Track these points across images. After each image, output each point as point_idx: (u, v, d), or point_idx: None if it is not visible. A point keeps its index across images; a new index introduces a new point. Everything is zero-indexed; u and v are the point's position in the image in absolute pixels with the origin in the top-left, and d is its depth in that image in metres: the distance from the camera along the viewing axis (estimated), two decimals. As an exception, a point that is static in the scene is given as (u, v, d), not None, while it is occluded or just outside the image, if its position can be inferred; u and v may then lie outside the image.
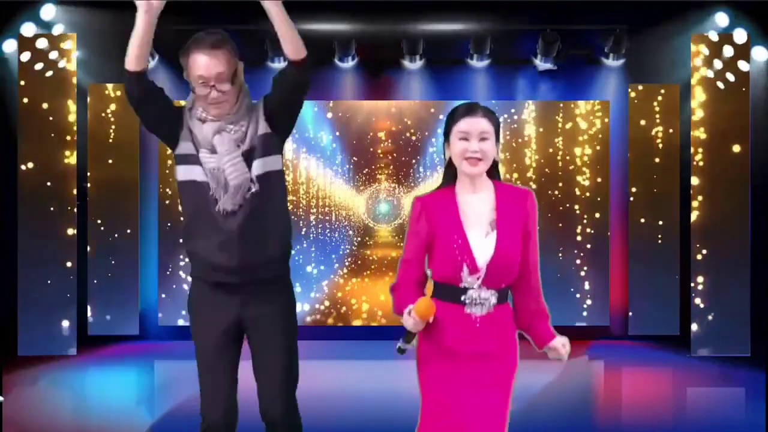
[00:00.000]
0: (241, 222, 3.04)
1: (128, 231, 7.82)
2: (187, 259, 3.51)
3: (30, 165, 7.41)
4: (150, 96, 3.06)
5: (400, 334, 2.96)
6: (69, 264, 7.44)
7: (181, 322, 7.89)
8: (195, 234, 3.11)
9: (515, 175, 8.03)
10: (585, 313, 8.00)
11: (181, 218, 3.24)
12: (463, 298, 2.88)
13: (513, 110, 8.13)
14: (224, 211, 3.04)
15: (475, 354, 2.90)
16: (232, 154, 3.02)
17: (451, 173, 2.99)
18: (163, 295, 7.97)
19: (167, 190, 7.93)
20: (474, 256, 2.86)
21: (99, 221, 7.80)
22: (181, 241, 3.25)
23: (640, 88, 7.91)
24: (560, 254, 8.01)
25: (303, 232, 8.19)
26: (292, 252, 3.30)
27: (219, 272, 3.08)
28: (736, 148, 7.42)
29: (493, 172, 2.97)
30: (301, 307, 8.16)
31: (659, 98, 7.90)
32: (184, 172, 3.10)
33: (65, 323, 7.37)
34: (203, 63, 2.99)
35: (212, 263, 3.07)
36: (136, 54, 3.01)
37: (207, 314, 3.12)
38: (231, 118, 3.05)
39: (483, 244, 2.87)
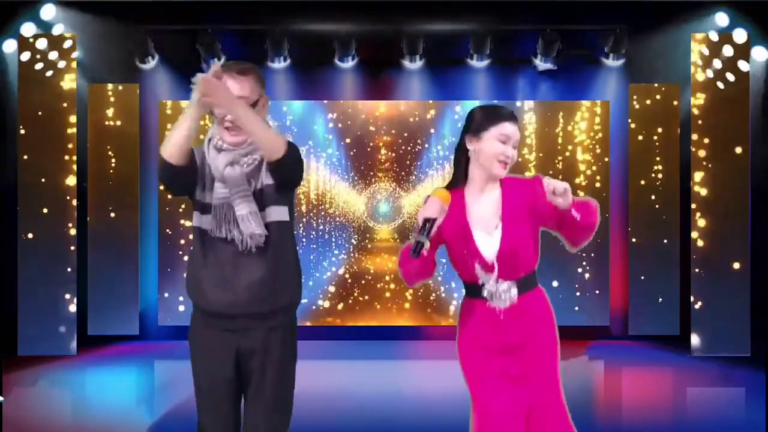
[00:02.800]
0: (250, 271, 2.99)
1: (128, 231, 7.82)
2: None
3: (30, 165, 7.41)
4: (186, 183, 3.01)
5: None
6: (69, 264, 7.45)
7: (180, 322, 7.89)
8: (197, 279, 3.04)
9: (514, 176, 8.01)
10: (585, 313, 8.00)
11: (189, 252, 3.16)
12: (484, 293, 2.99)
13: (513, 110, 8.11)
14: (244, 247, 2.98)
15: (505, 348, 2.98)
16: (241, 187, 2.98)
17: (462, 171, 3.08)
18: (164, 295, 7.97)
19: (167, 190, 7.93)
20: (482, 254, 2.97)
21: (99, 221, 7.79)
22: (184, 286, 3.17)
23: (640, 88, 7.91)
24: (560, 254, 7.98)
25: (303, 232, 8.19)
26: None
27: (223, 319, 3.03)
28: (736, 149, 7.42)
29: None
30: (301, 308, 8.14)
31: (659, 98, 7.90)
32: (196, 218, 3.07)
33: (62, 328, 7.38)
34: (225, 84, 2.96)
35: (217, 310, 3.01)
36: (181, 149, 2.90)
37: (205, 351, 3.06)
38: (246, 149, 3.00)
39: (490, 240, 2.99)
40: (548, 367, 3.01)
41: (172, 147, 2.89)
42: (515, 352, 2.99)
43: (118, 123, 7.85)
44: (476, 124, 3.07)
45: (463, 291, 3.14)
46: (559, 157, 8.11)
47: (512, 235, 2.98)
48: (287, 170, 2.98)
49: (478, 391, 3.01)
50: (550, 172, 8.08)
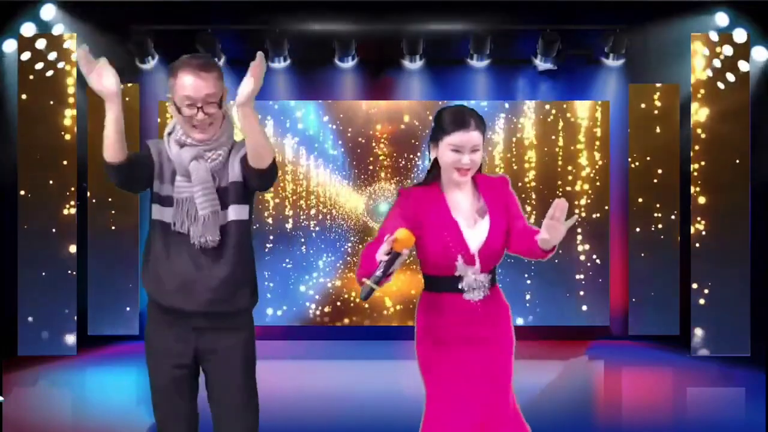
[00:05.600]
0: (212, 270, 2.95)
1: (128, 231, 7.81)
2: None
3: (29, 165, 7.41)
4: (133, 179, 2.98)
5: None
6: (69, 264, 7.45)
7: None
8: (157, 274, 2.98)
9: (514, 176, 8.02)
10: (585, 313, 7.99)
11: (145, 258, 3.08)
12: (460, 285, 2.96)
13: (513, 110, 8.13)
14: (198, 245, 2.94)
15: (477, 340, 2.97)
16: (206, 184, 2.94)
17: (435, 171, 3.05)
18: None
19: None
20: (468, 245, 2.95)
21: (99, 221, 7.79)
22: (140, 279, 3.11)
23: (640, 88, 7.91)
24: (560, 254, 8.00)
25: (303, 233, 8.19)
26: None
27: (182, 316, 2.97)
28: (736, 148, 7.43)
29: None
30: (301, 307, 8.16)
31: (659, 98, 7.91)
32: (156, 211, 3.02)
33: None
34: (191, 84, 2.90)
35: (177, 307, 2.96)
36: (115, 146, 2.87)
37: (163, 347, 3.01)
38: (211, 145, 2.96)
39: (474, 233, 2.97)
40: (505, 363, 3.02)
41: (109, 147, 2.86)
42: (484, 347, 2.98)
43: (118, 123, 7.84)
44: (434, 131, 3.02)
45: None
46: (559, 158, 8.11)
47: (497, 229, 2.99)
48: (267, 180, 2.98)
49: (434, 393, 2.99)
50: (547, 175, 8.08)
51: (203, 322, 2.97)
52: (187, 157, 2.95)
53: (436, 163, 3.04)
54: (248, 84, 2.79)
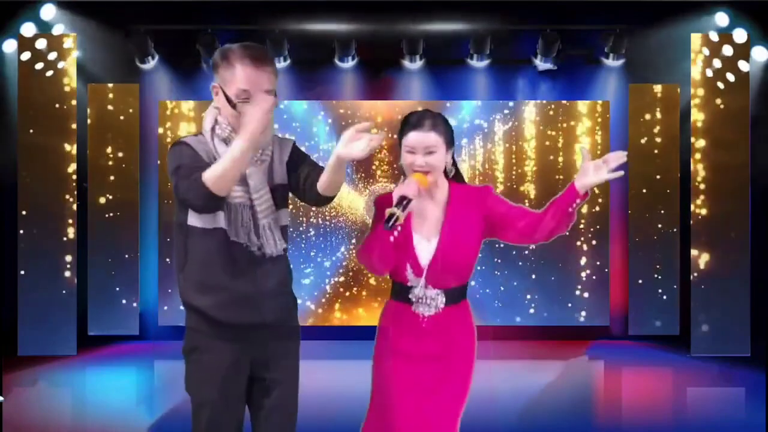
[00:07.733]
0: (270, 278, 2.82)
1: (128, 230, 7.82)
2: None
3: (29, 165, 7.41)
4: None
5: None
6: (69, 264, 7.45)
7: (180, 322, 7.87)
8: (207, 286, 2.82)
9: (514, 176, 8.03)
10: (585, 313, 7.99)
11: (181, 267, 2.90)
12: (410, 296, 2.96)
13: (513, 110, 8.13)
14: (259, 255, 2.79)
15: (423, 357, 2.94)
16: (265, 190, 2.79)
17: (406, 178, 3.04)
18: (164, 295, 7.96)
19: (167, 188, 7.93)
20: (417, 256, 2.93)
21: (99, 221, 7.79)
22: (181, 294, 2.93)
23: (640, 88, 7.91)
24: (560, 254, 8.01)
25: (303, 232, 8.19)
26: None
27: (240, 329, 2.80)
28: (736, 149, 7.43)
29: (456, 175, 3.05)
30: (301, 307, 8.15)
31: (659, 98, 7.91)
32: (196, 216, 2.84)
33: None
34: (252, 77, 2.69)
35: (239, 322, 2.78)
36: (233, 183, 2.67)
37: (217, 357, 2.81)
38: (261, 143, 2.75)
39: (427, 246, 2.94)
40: (456, 385, 2.96)
41: (228, 182, 2.65)
42: (431, 363, 2.94)
43: (118, 123, 7.84)
44: (398, 137, 3.02)
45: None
46: (560, 158, 8.11)
47: (449, 246, 2.92)
48: (325, 203, 2.95)
49: (378, 401, 3.05)
50: (547, 175, 8.08)
51: (262, 333, 2.83)
52: None
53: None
54: (360, 152, 2.74)
